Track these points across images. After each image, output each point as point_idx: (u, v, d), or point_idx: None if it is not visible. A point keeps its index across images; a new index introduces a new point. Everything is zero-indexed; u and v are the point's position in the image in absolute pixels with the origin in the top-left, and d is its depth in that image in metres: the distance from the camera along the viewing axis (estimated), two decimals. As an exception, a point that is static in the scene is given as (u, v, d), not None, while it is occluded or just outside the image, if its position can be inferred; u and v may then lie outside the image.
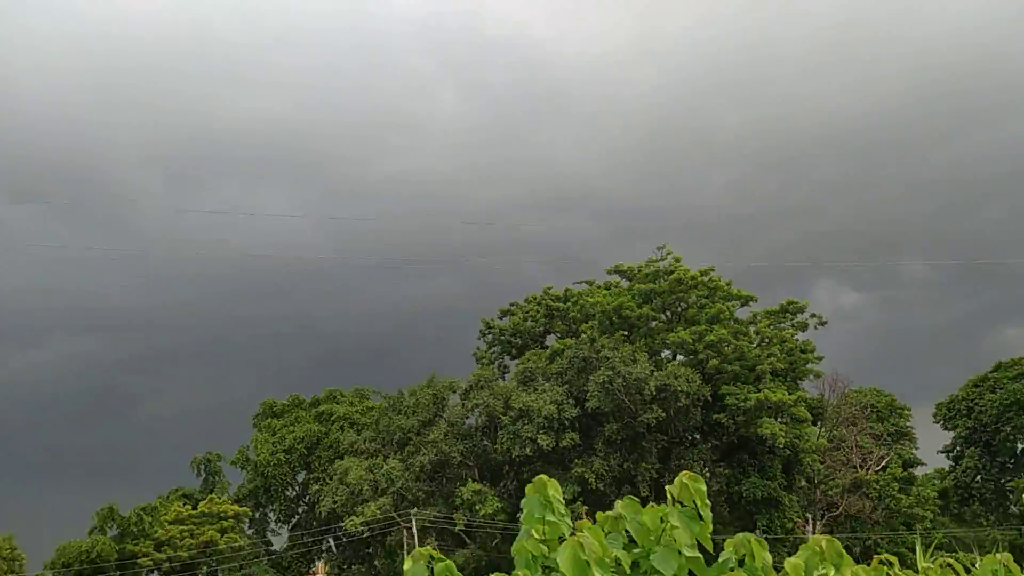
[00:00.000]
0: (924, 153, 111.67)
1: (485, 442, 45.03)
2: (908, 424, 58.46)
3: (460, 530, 42.88)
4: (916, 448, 59.42)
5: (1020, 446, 57.30)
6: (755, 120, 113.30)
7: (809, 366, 48.34)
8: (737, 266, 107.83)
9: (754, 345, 45.37)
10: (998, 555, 5.57)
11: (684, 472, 4.14)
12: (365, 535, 45.52)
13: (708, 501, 4.02)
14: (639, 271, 48.71)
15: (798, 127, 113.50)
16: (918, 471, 58.28)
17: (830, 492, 48.58)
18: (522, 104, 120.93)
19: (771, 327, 46.84)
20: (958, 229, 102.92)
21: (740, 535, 4.24)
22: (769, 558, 4.02)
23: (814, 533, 53.16)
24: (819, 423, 49.81)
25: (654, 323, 48.59)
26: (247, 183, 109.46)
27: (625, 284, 49.87)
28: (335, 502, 45.01)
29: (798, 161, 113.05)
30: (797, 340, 48.80)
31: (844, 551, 4.25)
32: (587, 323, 47.16)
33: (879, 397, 58.36)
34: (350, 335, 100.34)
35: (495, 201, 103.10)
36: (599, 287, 51.32)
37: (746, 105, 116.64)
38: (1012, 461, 56.94)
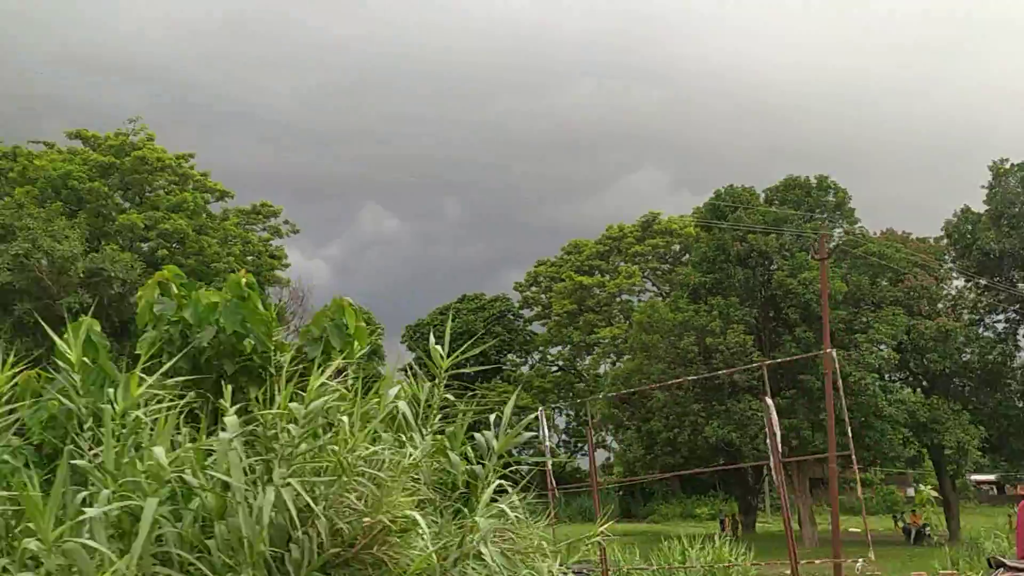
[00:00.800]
0: (479, 106, 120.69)
1: None
2: (379, 342, 62.87)
3: None
4: (383, 365, 64.72)
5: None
6: (345, 32, 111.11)
7: (277, 272, 48.10)
8: (292, 174, 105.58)
9: (216, 242, 43.43)
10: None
11: None
12: None
13: None
14: (105, 141, 43.47)
15: (380, 53, 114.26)
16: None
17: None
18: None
19: (240, 226, 45.38)
20: (494, 180, 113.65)
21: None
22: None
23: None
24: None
25: (121, 202, 43.94)
26: None
27: (93, 154, 44.26)
28: None
29: (373, 86, 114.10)
30: (271, 245, 48.27)
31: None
32: (24, 187, 40.72)
33: (361, 312, 61.82)
34: None
35: (22, 51, 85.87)
36: (60, 151, 44.83)
37: (339, 15, 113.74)
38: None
